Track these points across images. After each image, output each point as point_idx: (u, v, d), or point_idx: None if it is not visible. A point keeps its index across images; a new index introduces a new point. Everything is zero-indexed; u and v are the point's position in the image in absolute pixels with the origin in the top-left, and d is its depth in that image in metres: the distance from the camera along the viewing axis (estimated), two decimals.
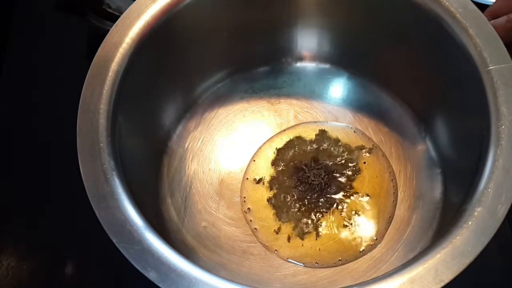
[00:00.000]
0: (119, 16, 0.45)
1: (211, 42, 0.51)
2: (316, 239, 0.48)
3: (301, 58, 0.56)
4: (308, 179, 0.51)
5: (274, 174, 0.52)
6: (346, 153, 0.52)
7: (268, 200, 0.51)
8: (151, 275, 0.35)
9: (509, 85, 0.40)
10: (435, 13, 0.44)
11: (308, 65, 0.57)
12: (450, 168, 0.50)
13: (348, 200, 0.50)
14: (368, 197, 0.50)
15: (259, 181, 0.52)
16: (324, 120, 0.54)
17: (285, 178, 0.51)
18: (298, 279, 0.47)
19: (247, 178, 0.52)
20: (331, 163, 0.52)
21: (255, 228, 0.50)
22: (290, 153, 0.53)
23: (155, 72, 0.48)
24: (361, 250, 0.48)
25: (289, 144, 0.53)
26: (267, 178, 0.52)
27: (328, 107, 0.55)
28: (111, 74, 0.43)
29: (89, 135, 0.40)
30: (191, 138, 0.54)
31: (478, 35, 0.42)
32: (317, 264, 0.48)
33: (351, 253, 0.48)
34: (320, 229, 0.49)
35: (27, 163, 0.55)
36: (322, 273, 0.47)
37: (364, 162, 0.52)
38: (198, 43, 0.50)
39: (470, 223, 0.36)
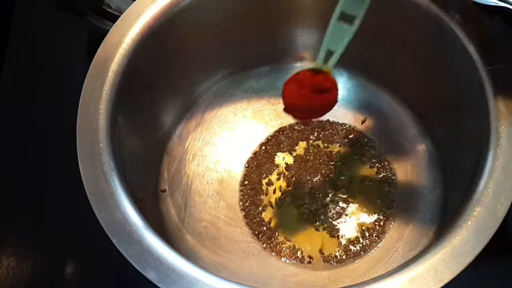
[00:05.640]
0: (119, 16, 0.45)
1: (211, 42, 0.51)
2: (316, 239, 0.49)
3: (301, 58, 0.56)
4: (305, 178, 0.51)
5: (274, 174, 0.52)
6: (346, 152, 0.52)
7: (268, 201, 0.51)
8: (151, 275, 0.35)
9: (509, 85, 0.40)
10: (435, 13, 0.44)
11: (308, 65, 0.56)
12: (450, 168, 0.50)
13: (347, 200, 0.50)
14: (368, 197, 0.50)
15: (258, 181, 0.52)
16: (324, 119, 0.54)
17: (284, 178, 0.52)
18: (298, 279, 0.47)
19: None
20: (331, 162, 0.52)
21: (255, 228, 0.50)
22: (289, 153, 0.53)
23: (155, 72, 0.48)
24: (361, 250, 0.48)
25: (289, 144, 0.53)
26: (268, 178, 0.52)
27: None
28: (111, 74, 0.43)
29: (89, 135, 0.40)
30: (191, 138, 0.54)
31: (478, 35, 0.42)
32: (318, 265, 0.48)
33: (350, 253, 0.48)
34: (319, 229, 0.49)
35: (27, 163, 0.55)
36: (322, 273, 0.47)
37: (364, 162, 0.52)
38: (198, 43, 0.50)
39: (469, 223, 0.36)
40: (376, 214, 0.49)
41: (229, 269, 0.48)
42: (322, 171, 0.51)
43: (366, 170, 0.52)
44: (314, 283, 0.47)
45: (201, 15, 0.48)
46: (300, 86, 0.40)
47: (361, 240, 0.48)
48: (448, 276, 0.34)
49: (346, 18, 0.35)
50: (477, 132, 0.41)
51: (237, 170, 0.53)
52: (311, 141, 0.53)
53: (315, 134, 0.53)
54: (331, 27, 0.37)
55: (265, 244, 0.49)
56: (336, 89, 0.41)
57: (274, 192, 0.51)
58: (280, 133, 0.54)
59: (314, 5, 0.51)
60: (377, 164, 0.52)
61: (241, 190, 0.51)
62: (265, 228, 0.49)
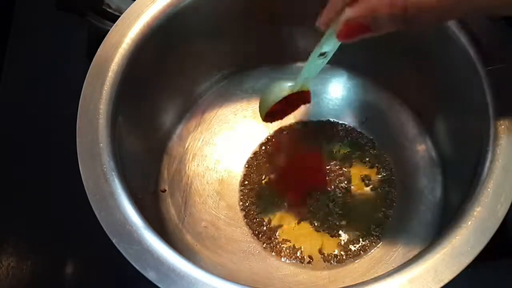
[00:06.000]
0: (119, 16, 0.45)
1: (211, 42, 0.51)
2: (316, 239, 0.49)
3: (301, 58, 0.56)
4: (304, 178, 0.51)
5: (274, 174, 0.52)
6: (346, 151, 0.52)
7: (267, 200, 0.51)
8: (151, 275, 0.35)
9: (509, 84, 0.40)
10: None
11: None
12: (450, 168, 0.50)
13: (347, 200, 0.50)
14: (367, 197, 0.50)
15: (258, 181, 0.52)
16: (324, 119, 0.54)
17: (283, 178, 0.52)
18: (298, 279, 0.47)
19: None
20: (331, 162, 0.52)
21: (255, 228, 0.50)
22: (290, 153, 0.53)
23: (155, 72, 0.48)
24: (361, 250, 0.48)
25: (289, 143, 0.53)
26: (268, 178, 0.52)
27: (328, 107, 0.55)
28: (111, 74, 0.43)
29: (89, 135, 0.40)
30: (191, 138, 0.54)
31: (478, 35, 0.42)
32: (318, 264, 0.48)
33: (350, 253, 0.48)
34: (319, 229, 0.49)
35: (27, 163, 0.55)
36: (322, 273, 0.47)
37: (364, 162, 0.52)
38: (198, 43, 0.50)
39: (469, 223, 0.36)
40: (376, 214, 0.49)
41: (229, 269, 0.48)
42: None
43: (366, 170, 0.52)
44: (314, 283, 0.47)
45: (201, 15, 0.48)
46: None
47: (361, 240, 0.48)
48: (448, 276, 0.34)
49: (321, 54, 0.39)
50: (477, 132, 0.41)
51: (237, 170, 0.53)
52: (311, 141, 0.53)
53: (315, 134, 0.53)
54: (308, 64, 0.40)
55: (265, 244, 0.49)
56: (309, 94, 0.45)
57: (272, 191, 0.51)
58: (280, 133, 0.54)
59: (314, 4, 0.51)
60: (377, 164, 0.52)
61: (241, 190, 0.51)
62: (265, 228, 0.49)
